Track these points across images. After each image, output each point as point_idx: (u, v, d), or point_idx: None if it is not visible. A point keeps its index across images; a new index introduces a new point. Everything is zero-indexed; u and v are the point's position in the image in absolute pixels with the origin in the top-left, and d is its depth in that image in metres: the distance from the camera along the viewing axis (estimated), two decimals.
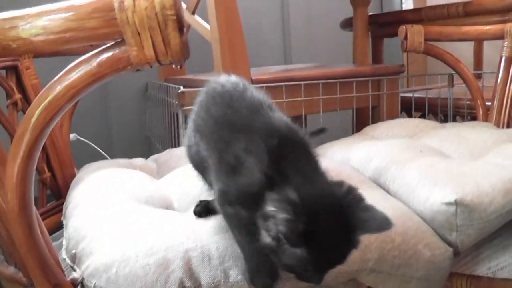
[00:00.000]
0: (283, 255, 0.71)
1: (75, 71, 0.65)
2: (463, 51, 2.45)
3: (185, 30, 0.63)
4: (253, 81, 1.57)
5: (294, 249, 0.70)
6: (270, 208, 0.70)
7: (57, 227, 1.24)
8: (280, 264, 0.73)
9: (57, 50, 1.26)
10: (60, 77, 0.66)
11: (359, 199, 0.75)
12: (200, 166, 0.91)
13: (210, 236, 0.85)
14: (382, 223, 0.74)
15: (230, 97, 0.84)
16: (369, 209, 0.74)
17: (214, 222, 0.89)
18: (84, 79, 0.65)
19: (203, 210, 0.92)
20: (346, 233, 0.73)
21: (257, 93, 0.87)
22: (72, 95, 0.65)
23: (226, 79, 0.90)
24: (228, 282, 0.83)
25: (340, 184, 0.77)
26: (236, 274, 0.82)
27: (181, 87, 1.53)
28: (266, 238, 0.71)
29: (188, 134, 0.93)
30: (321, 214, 0.71)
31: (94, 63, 0.64)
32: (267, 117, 0.81)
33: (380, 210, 0.75)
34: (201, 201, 0.94)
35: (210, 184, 0.90)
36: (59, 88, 0.65)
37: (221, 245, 0.84)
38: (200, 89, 0.93)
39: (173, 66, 0.66)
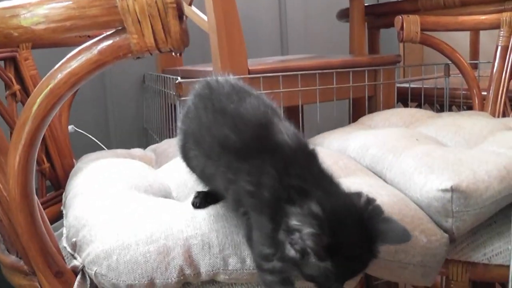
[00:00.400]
0: (306, 267, 0.72)
1: (76, 59, 0.66)
2: (460, 41, 2.46)
3: (184, 18, 0.64)
4: (250, 72, 1.58)
5: (319, 261, 0.71)
6: (294, 222, 0.70)
7: (56, 218, 1.25)
8: (302, 275, 0.74)
9: (57, 41, 1.27)
10: (61, 65, 0.67)
11: (379, 211, 0.76)
12: (200, 173, 0.91)
13: (209, 224, 0.86)
14: (402, 235, 0.75)
15: (231, 117, 0.81)
16: (389, 220, 0.75)
17: (213, 211, 0.90)
18: (85, 67, 0.65)
19: (201, 201, 0.92)
20: (367, 244, 0.74)
21: (257, 100, 0.84)
22: (73, 83, 0.66)
23: (219, 86, 0.87)
24: (227, 270, 0.84)
25: (359, 194, 0.77)
26: (235, 262, 0.83)
27: (179, 78, 1.53)
28: (290, 251, 0.72)
29: (180, 139, 0.92)
30: (344, 226, 0.72)
31: (95, 50, 0.65)
32: (272, 135, 0.79)
33: (399, 222, 0.76)
34: (198, 192, 0.94)
35: (215, 189, 0.91)
36: (60, 76, 0.66)
37: (221, 233, 0.85)
38: (196, 80, 0.93)
39: (173, 54, 0.67)
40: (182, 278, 0.82)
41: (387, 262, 0.91)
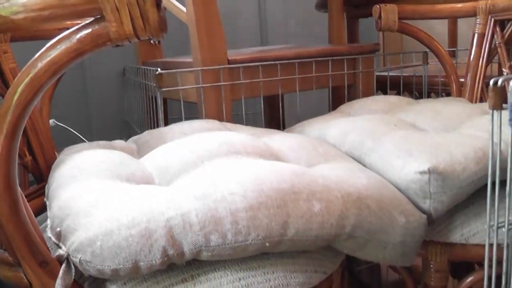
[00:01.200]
0: None
1: (55, 48, 0.67)
2: (439, 29, 2.49)
3: (162, 6, 0.65)
4: (229, 62, 1.59)
5: None
6: None
7: (39, 211, 1.25)
8: None
9: (36, 33, 1.28)
10: (41, 54, 0.67)
11: None
12: None
13: (189, 203, 0.87)
14: None
15: None
16: None
17: (194, 189, 0.91)
18: (64, 55, 0.66)
19: None
20: None
21: None
22: (54, 71, 0.67)
23: None
24: (209, 247, 0.85)
25: None
26: (216, 238, 0.85)
27: (159, 69, 1.54)
28: None
29: None
30: None
31: (74, 39, 0.66)
32: None
33: None
34: None
35: None
36: (40, 64, 0.67)
37: (200, 212, 0.86)
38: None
39: (152, 42, 0.68)
40: (166, 259, 0.83)
41: (367, 241, 0.93)
